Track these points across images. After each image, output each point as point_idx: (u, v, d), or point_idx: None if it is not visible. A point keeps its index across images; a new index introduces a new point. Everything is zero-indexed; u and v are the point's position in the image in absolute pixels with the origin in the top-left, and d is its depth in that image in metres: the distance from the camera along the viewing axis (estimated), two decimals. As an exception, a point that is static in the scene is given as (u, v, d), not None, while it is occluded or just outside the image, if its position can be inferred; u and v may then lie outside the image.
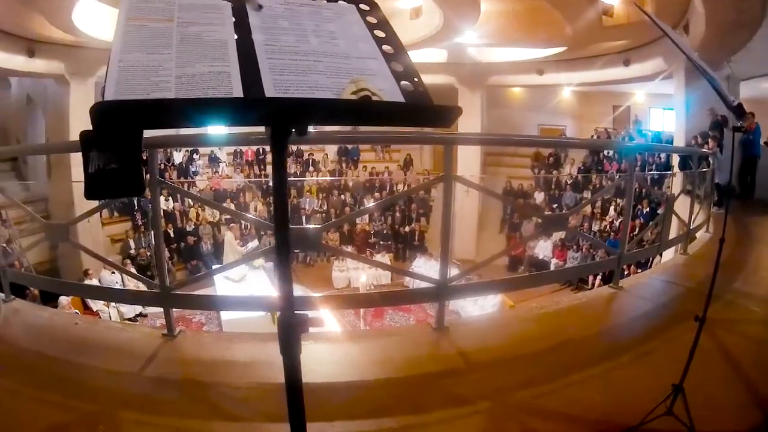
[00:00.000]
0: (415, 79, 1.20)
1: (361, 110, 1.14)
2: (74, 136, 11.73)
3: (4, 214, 9.16)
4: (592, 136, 16.41)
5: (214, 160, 16.70)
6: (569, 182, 15.52)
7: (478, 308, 9.79)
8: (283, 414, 2.18)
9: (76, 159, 11.84)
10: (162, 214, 13.93)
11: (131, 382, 2.54)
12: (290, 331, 1.17)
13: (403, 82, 1.18)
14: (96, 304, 9.71)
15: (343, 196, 16.65)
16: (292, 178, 16.13)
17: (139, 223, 13.80)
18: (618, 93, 16.85)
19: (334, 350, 2.89)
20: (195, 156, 16.12)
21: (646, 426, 1.95)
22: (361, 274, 12.56)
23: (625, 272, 10.30)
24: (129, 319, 10.17)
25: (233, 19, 1.23)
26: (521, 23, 12.53)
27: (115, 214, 13.85)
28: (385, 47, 1.27)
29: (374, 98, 1.13)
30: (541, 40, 13.18)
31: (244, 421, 2.25)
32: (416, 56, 14.25)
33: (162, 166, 15.36)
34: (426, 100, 1.20)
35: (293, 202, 16.08)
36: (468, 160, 14.58)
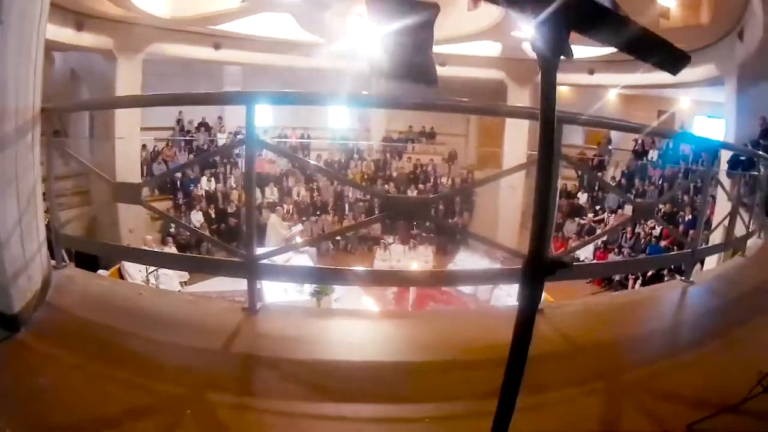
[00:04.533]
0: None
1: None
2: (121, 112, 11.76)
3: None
4: (635, 140, 16.33)
5: (257, 144, 16.51)
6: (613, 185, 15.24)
7: (512, 301, 9.52)
8: (395, 394, 2.18)
9: (120, 131, 11.99)
10: (203, 194, 14.13)
11: (216, 361, 2.35)
12: (535, 273, 1.26)
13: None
14: (134, 279, 9.58)
15: (386, 186, 16.51)
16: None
17: (180, 201, 13.90)
18: (663, 98, 16.53)
19: (434, 329, 2.89)
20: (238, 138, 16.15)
21: (746, 405, 1.98)
22: (412, 263, 12.67)
23: (665, 277, 10.17)
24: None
25: None
26: (580, 18, 12.29)
27: (156, 192, 13.72)
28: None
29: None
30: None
31: (354, 402, 2.11)
32: (469, 49, 14.13)
33: (205, 147, 15.59)
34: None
35: (337, 189, 16.16)
36: (514, 154, 14.06)
